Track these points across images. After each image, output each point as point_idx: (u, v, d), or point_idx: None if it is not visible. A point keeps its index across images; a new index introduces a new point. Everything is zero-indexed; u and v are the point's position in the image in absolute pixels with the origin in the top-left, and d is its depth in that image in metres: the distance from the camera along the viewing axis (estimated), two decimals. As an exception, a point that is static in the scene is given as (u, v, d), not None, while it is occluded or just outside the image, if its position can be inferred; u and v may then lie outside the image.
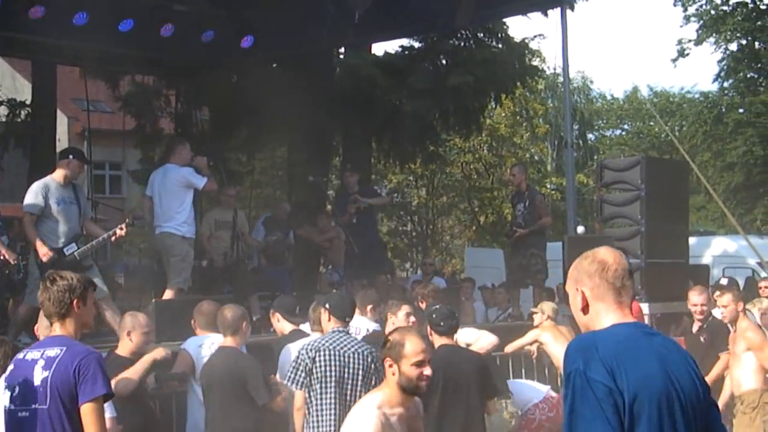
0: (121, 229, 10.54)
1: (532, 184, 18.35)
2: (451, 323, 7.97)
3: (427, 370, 5.53)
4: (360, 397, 7.18)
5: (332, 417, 7.17)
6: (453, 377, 7.60)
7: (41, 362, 5.13)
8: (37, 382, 5.07)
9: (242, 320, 8.10)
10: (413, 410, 5.72)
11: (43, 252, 10.13)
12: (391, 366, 5.53)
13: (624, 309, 3.90)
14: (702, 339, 10.38)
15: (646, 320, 12.23)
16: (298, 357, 7.39)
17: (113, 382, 7.56)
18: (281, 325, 9.13)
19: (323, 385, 7.22)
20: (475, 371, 7.85)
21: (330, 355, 7.28)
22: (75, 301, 5.30)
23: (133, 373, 7.76)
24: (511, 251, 15.30)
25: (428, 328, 7.98)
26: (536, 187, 18.76)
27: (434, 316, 8.04)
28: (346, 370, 7.24)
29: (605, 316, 3.89)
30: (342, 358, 7.27)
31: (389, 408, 5.47)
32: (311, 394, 7.24)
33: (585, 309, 3.95)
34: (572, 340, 4.06)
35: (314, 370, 7.25)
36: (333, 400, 7.19)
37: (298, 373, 7.29)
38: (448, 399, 7.55)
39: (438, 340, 7.87)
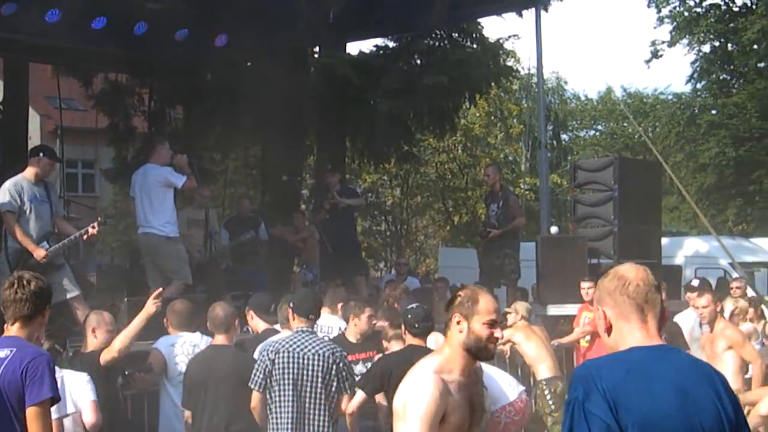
0: (93, 227, 10.47)
1: (506, 185, 18.40)
2: (426, 325, 7.85)
3: (498, 333, 4.93)
4: (319, 400, 7.12)
5: (288, 420, 7.12)
6: None
7: None
8: None
9: (234, 318, 8.11)
10: (473, 377, 5.08)
11: (41, 255, 10.09)
12: (459, 323, 4.89)
13: (649, 329, 3.64)
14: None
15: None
16: (259, 358, 7.37)
17: (115, 348, 7.60)
18: (255, 323, 9.15)
19: (281, 387, 7.17)
20: None
21: (288, 356, 7.20)
22: (47, 308, 5.22)
23: (129, 333, 7.89)
24: (484, 251, 15.29)
25: (402, 327, 7.94)
26: (510, 188, 18.78)
27: (409, 316, 7.89)
28: (305, 372, 7.14)
29: (628, 335, 3.63)
30: (300, 360, 7.18)
31: (447, 374, 4.83)
32: (271, 395, 7.20)
33: (609, 330, 3.69)
34: (578, 365, 3.81)
35: (273, 372, 7.19)
36: (289, 404, 7.13)
37: (257, 374, 7.25)
38: None
39: (410, 340, 7.80)
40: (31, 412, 4.87)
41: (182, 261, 11.76)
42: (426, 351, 7.62)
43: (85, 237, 10.51)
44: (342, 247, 14.72)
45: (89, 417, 7.02)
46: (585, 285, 12.05)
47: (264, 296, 9.93)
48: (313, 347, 7.28)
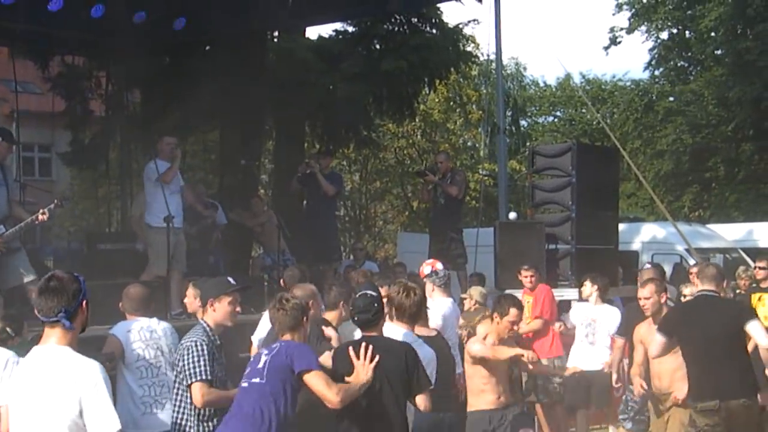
0: (43, 213, 10.32)
1: (460, 169, 18.55)
2: (365, 317, 7.21)
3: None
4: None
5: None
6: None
7: (265, 351, 6.68)
8: (259, 365, 6.54)
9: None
10: None
11: None
12: None
13: None
14: None
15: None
16: None
17: None
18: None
19: None
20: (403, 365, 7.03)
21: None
22: (304, 319, 6.89)
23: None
24: (431, 236, 15.45)
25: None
26: (468, 173, 18.84)
27: (351, 306, 7.45)
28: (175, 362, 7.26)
29: None
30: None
31: None
32: None
33: None
34: None
35: None
36: None
37: None
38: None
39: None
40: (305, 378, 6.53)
41: (157, 252, 12.14)
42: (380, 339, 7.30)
43: (36, 221, 10.41)
44: (316, 233, 14.74)
45: None
46: (527, 273, 12.16)
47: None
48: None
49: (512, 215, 15.72)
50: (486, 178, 35.42)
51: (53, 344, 4.83)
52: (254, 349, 9.04)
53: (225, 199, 16.34)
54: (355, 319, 7.31)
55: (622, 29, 38.55)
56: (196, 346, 6.95)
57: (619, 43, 38.89)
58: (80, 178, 29.22)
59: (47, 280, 4.86)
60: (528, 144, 43.81)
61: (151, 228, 12.28)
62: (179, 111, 19.21)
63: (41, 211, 10.35)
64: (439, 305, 10.20)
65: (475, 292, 11.50)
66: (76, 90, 19.31)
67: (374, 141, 25.36)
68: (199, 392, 6.92)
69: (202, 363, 6.93)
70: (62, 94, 19.48)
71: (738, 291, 13.55)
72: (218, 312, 7.28)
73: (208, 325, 7.21)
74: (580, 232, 13.45)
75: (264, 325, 9.04)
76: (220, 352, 7.19)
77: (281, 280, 9.51)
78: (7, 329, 7.50)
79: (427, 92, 25.81)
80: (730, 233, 22.68)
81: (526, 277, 12.16)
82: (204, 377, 6.91)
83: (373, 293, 7.38)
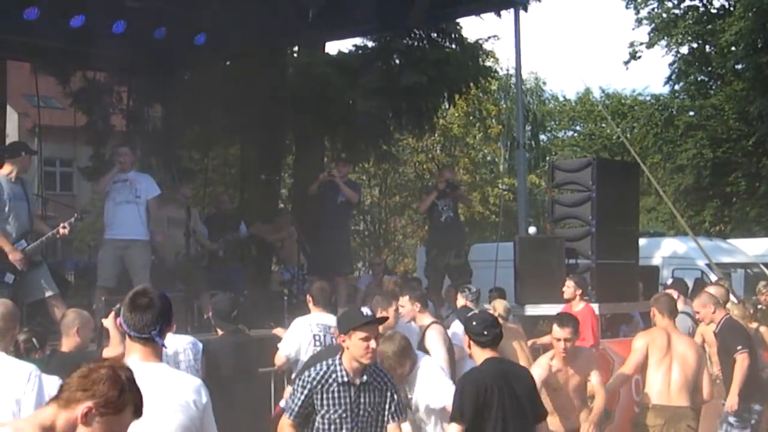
0: (64, 227, 10.38)
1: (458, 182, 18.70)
2: (495, 332, 6.98)
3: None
4: None
5: None
6: (510, 396, 6.72)
7: None
8: None
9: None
10: None
11: (16, 258, 10.06)
12: None
13: None
14: None
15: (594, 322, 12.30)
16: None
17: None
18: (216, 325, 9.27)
19: None
20: (529, 389, 6.94)
21: None
22: None
23: None
24: (438, 250, 15.32)
25: (467, 339, 7.11)
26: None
27: (474, 323, 7.06)
28: None
29: None
30: None
31: None
32: None
33: None
34: None
35: None
36: None
37: None
38: (506, 422, 6.68)
39: (480, 354, 6.96)
40: None
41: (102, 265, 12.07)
42: (506, 362, 7.27)
43: (58, 235, 10.45)
44: (329, 245, 14.65)
45: None
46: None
47: (225, 301, 9.84)
48: None
49: (532, 230, 15.70)
50: (505, 192, 35.37)
51: (144, 360, 4.79)
52: (280, 361, 9.14)
53: (245, 214, 16.35)
54: (484, 334, 6.98)
55: (642, 44, 38.55)
56: (300, 379, 6.55)
57: (639, 57, 38.89)
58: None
59: (139, 295, 4.81)
60: (547, 158, 43.78)
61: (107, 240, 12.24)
62: (200, 126, 19.30)
63: (62, 225, 10.40)
64: None
65: (500, 305, 11.38)
66: (97, 105, 19.39)
67: (394, 155, 25.40)
68: (279, 424, 6.58)
69: (293, 397, 6.47)
70: (84, 109, 19.58)
71: (760, 306, 13.50)
72: (351, 349, 6.40)
73: (339, 358, 6.46)
74: (600, 247, 13.42)
75: (291, 339, 9.05)
76: (345, 390, 6.38)
77: (308, 295, 9.43)
78: (33, 339, 7.53)
79: (447, 107, 25.78)
80: (751, 248, 22.57)
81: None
82: (288, 413, 6.48)
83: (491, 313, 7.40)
